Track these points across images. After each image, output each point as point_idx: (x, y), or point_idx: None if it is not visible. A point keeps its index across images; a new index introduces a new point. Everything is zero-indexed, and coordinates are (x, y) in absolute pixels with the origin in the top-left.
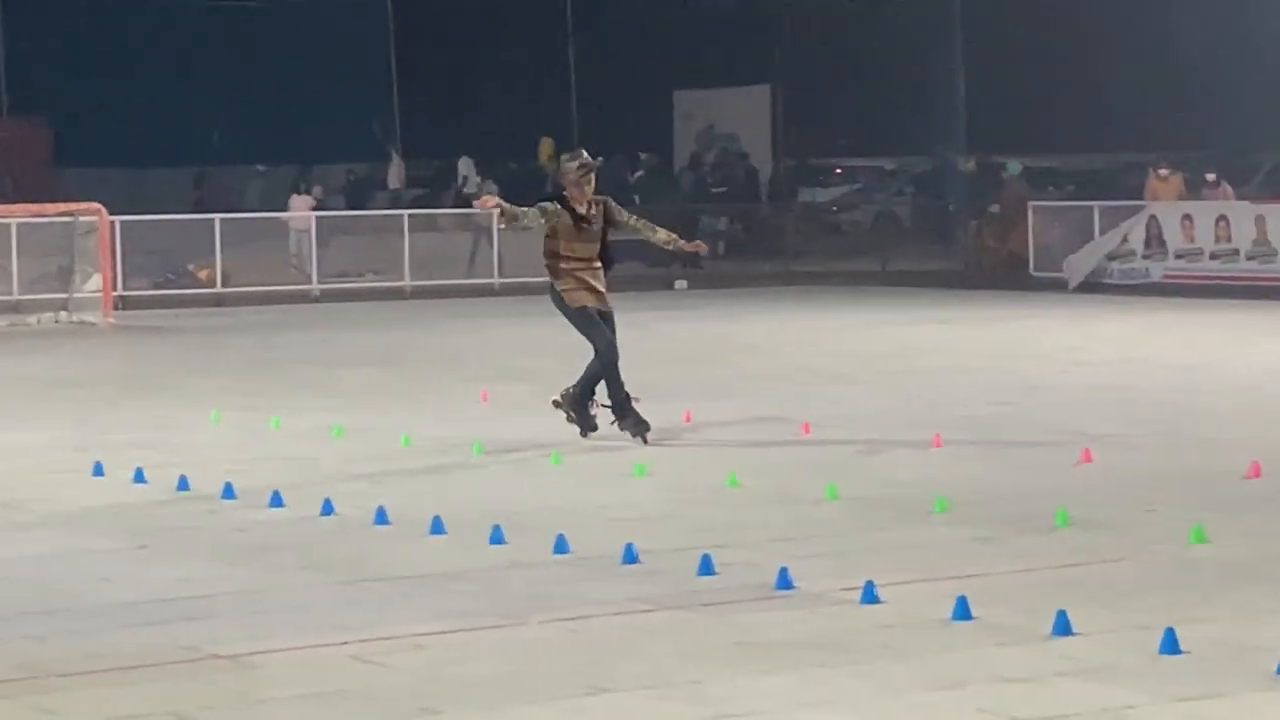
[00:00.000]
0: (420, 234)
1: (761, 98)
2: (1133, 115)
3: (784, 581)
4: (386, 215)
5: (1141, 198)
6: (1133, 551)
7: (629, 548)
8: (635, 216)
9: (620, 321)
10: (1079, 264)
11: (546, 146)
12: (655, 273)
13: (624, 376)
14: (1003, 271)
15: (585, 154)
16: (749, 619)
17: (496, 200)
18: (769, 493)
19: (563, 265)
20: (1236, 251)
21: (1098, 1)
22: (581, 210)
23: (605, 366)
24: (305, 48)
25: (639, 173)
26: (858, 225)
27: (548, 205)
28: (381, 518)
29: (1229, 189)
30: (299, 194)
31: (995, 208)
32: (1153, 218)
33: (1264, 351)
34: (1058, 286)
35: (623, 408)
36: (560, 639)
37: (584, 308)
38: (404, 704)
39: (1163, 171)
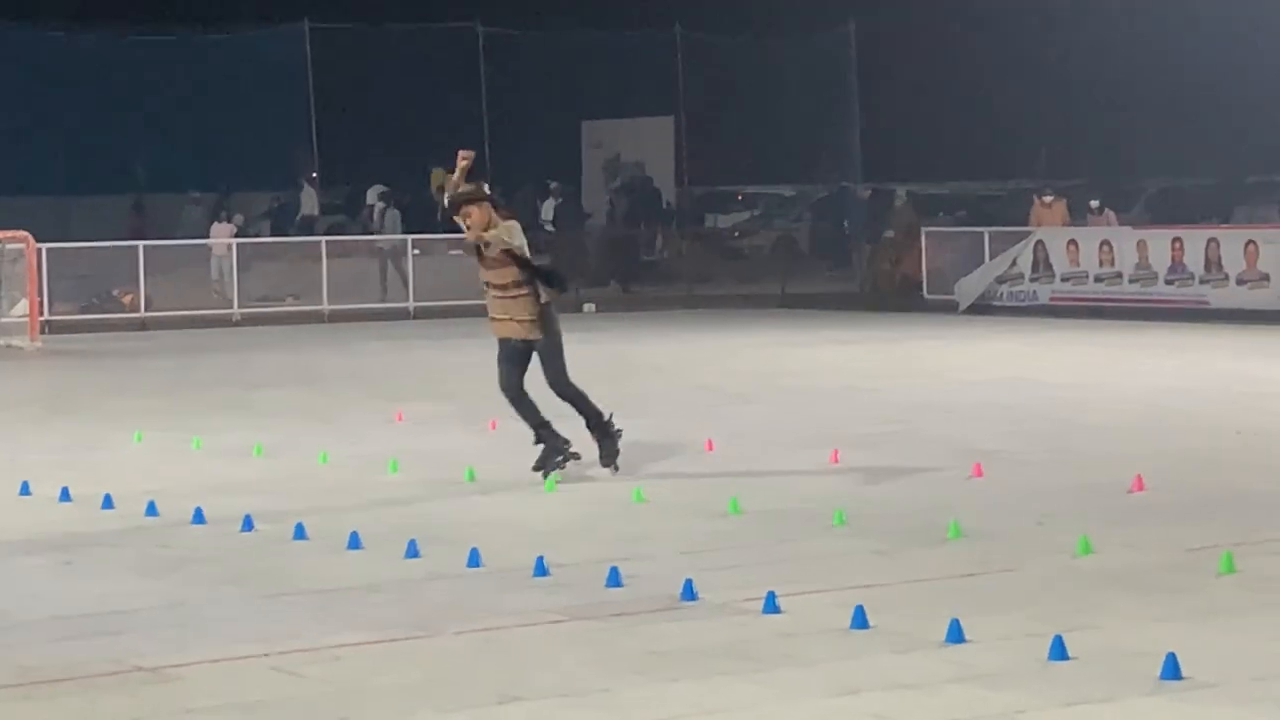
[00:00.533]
0: (337, 260)
1: (665, 127)
2: (1020, 144)
3: (689, 593)
4: (304, 241)
5: (1027, 223)
6: (1022, 562)
7: (540, 560)
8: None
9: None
10: (970, 286)
11: (436, 176)
12: (564, 297)
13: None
14: (897, 294)
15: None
16: (655, 629)
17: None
18: (674, 507)
19: (488, 291)
20: (1119, 275)
21: (988, 35)
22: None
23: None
24: (225, 79)
25: (553, 201)
26: (758, 250)
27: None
28: (300, 533)
29: (1112, 215)
30: (219, 221)
31: (889, 233)
32: (1040, 242)
33: (1146, 370)
34: (949, 308)
35: (540, 433)
36: (474, 649)
37: (500, 340)
38: (323, 713)
39: (1047, 198)
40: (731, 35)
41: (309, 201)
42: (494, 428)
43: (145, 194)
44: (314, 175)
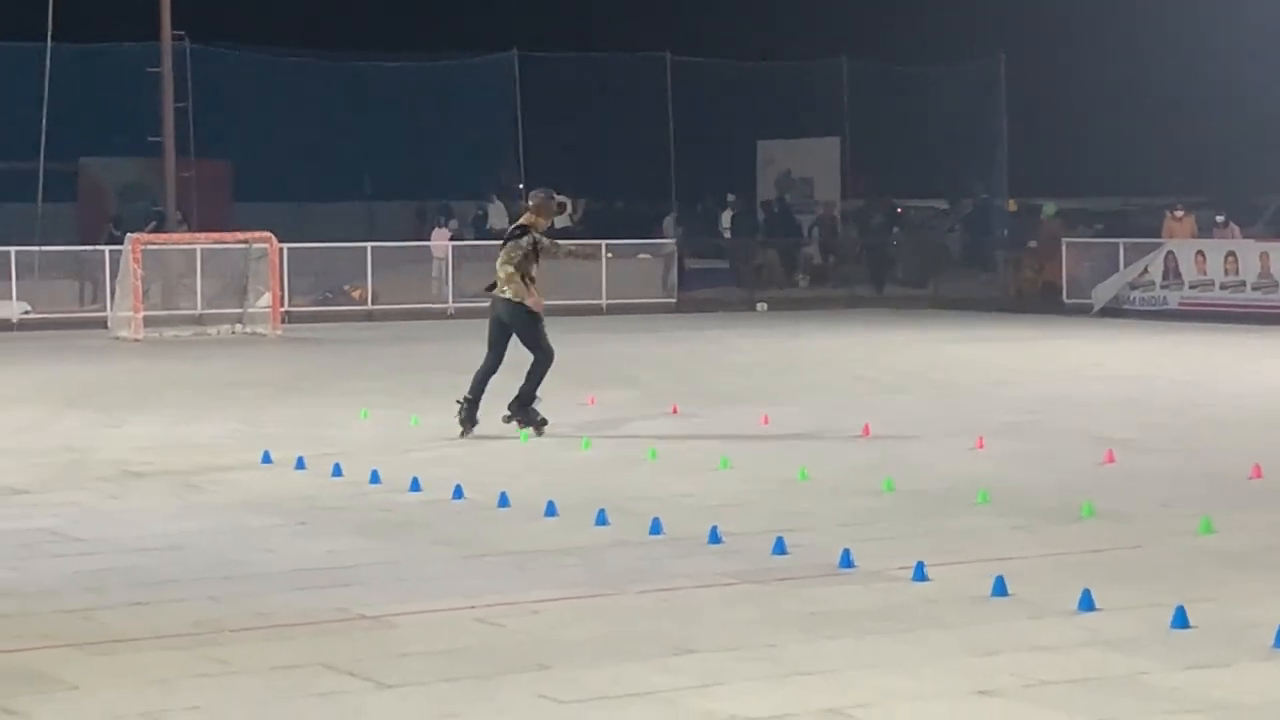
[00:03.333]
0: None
1: (832, 147)
2: (1154, 163)
3: (846, 561)
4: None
5: (1160, 236)
6: (1148, 540)
7: (714, 530)
8: (553, 242)
9: (707, 338)
10: (1104, 292)
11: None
12: (739, 295)
13: (690, 386)
14: (1038, 298)
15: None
16: (816, 593)
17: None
18: (834, 485)
19: (532, 285)
20: (1243, 283)
21: (1128, 64)
22: (539, 237)
23: (548, 364)
24: (445, 102)
25: (730, 211)
26: (913, 258)
27: (526, 241)
28: (503, 501)
29: (1236, 229)
30: (439, 226)
31: (1033, 243)
32: (1170, 253)
33: (1266, 369)
34: (1085, 310)
35: (526, 400)
36: (653, 607)
37: (542, 315)
38: (520, 659)
39: (1178, 213)
40: (893, 64)
41: (497, 214)
42: (675, 411)
43: (372, 201)
44: (519, 187)
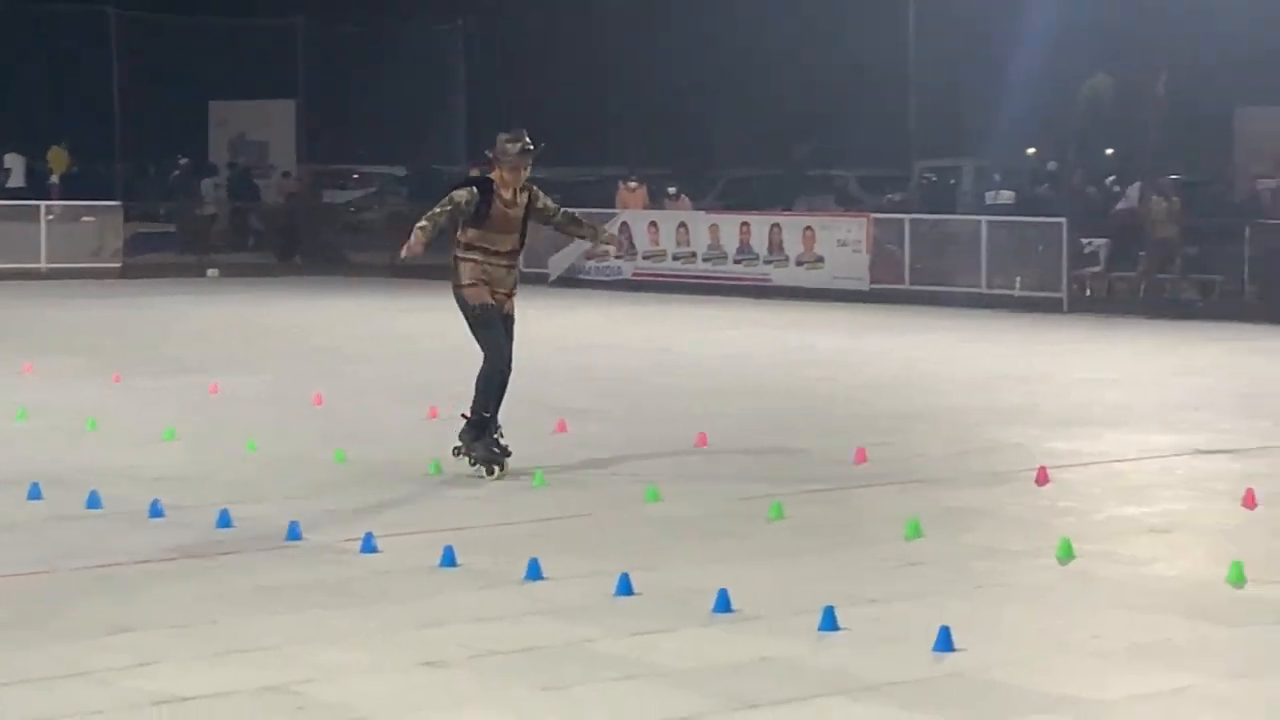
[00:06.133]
0: None
1: (288, 110)
2: (609, 136)
3: (294, 533)
4: None
5: (614, 206)
6: (597, 508)
7: (155, 503)
8: (563, 210)
9: (154, 304)
10: (559, 261)
11: (57, 156)
12: (186, 260)
13: (136, 354)
14: None
15: (526, 136)
16: (261, 567)
17: (417, 243)
18: (283, 456)
19: (472, 256)
20: (694, 254)
21: (593, 35)
22: (508, 196)
23: (492, 376)
24: None
25: (175, 173)
26: (372, 223)
27: (460, 195)
28: None
29: (687, 200)
30: None
31: None
32: (624, 223)
33: (713, 340)
34: (542, 280)
35: (482, 428)
36: (90, 585)
37: (486, 305)
38: None
39: (631, 184)
40: (350, 25)
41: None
42: (117, 380)
43: None
44: None
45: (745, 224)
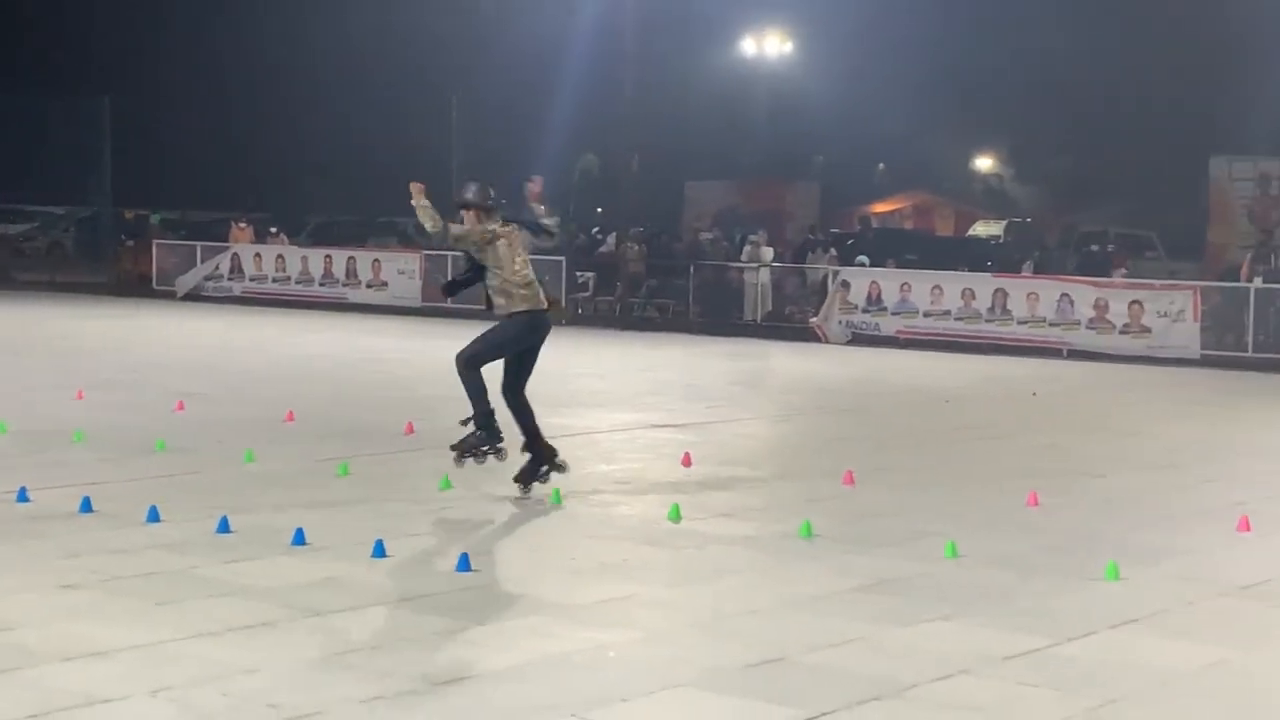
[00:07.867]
0: None
1: None
2: (226, 184)
3: None
4: None
5: (227, 240)
6: (206, 468)
7: None
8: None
9: None
10: (187, 281)
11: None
12: None
13: None
14: (136, 285)
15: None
16: None
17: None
18: None
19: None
20: (289, 278)
21: (240, 111)
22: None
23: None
24: None
25: None
26: (37, 250)
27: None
28: None
29: (284, 237)
30: None
31: (131, 242)
32: (235, 254)
33: (303, 342)
34: (171, 296)
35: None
36: None
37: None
38: None
39: (242, 224)
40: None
41: None
42: None
43: None
44: None
45: (329, 256)
